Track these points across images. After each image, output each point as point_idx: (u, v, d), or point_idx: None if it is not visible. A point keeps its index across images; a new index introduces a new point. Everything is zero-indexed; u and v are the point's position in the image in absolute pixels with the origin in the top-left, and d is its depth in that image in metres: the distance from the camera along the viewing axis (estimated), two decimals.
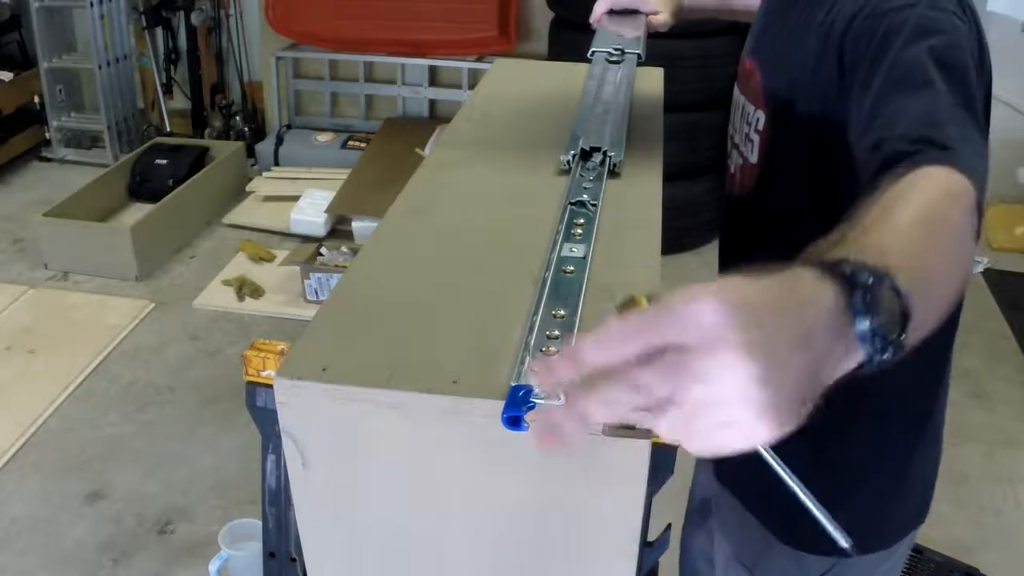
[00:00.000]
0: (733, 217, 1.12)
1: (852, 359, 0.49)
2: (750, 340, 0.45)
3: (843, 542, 0.48)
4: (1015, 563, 2.12)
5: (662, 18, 1.30)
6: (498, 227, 0.74)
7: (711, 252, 3.47)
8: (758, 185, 0.99)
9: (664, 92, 1.16)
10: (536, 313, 0.61)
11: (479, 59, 3.87)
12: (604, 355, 0.46)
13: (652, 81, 1.12)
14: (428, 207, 0.79)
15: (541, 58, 3.44)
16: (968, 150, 0.67)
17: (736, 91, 1.06)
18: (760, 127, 0.97)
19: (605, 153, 0.88)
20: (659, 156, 0.93)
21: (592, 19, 1.31)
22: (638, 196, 0.82)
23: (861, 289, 0.49)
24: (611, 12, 1.32)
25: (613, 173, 0.86)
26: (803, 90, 0.89)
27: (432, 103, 4.12)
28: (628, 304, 0.48)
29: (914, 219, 0.56)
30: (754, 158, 0.99)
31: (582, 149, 0.87)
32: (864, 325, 0.48)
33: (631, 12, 1.30)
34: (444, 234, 0.75)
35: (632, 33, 1.23)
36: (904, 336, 0.50)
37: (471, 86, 3.84)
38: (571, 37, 3.25)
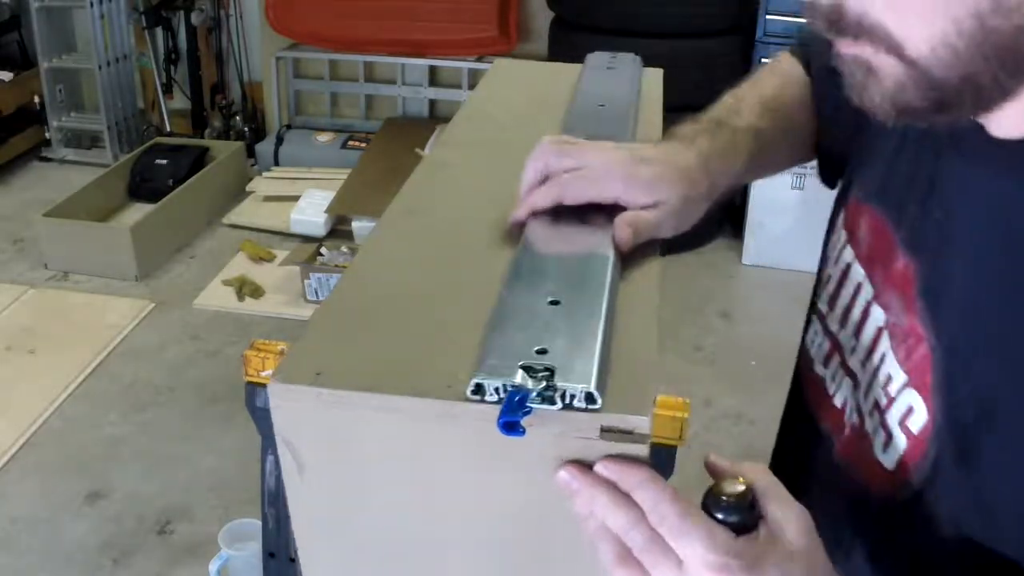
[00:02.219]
0: (807, 447, 0.77)
1: None
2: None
3: None
4: None
5: (652, 218, 0.70)
6: (498, 228, 0.74)
7: (711, 252, 3.47)
8: (894, 499, 0.64)
9: (664, 92, 1.16)
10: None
11: (479, 59, 3.87)
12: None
13: (652, 81, 1.11)
14: (426, 207, 0.79)
15: (541, 58, 3.44)
16: None
17: (851, 257, 0.71)
18: (913, 427, 0.62)
19: None
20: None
21: (513, 219, 0.72)
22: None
23: None
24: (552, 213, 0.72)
25: None
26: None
27: (432, 103, 4.12)
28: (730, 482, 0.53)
29: None
30: (889, 463, 0.64)
31: None
32: None
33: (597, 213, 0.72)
34: (443, 235, 0.74)
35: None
36: None
37: (471, 86, 3.84)
38: (571, 37, 3.25)
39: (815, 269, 0.83)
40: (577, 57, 1.15)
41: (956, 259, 0.60)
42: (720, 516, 0.52)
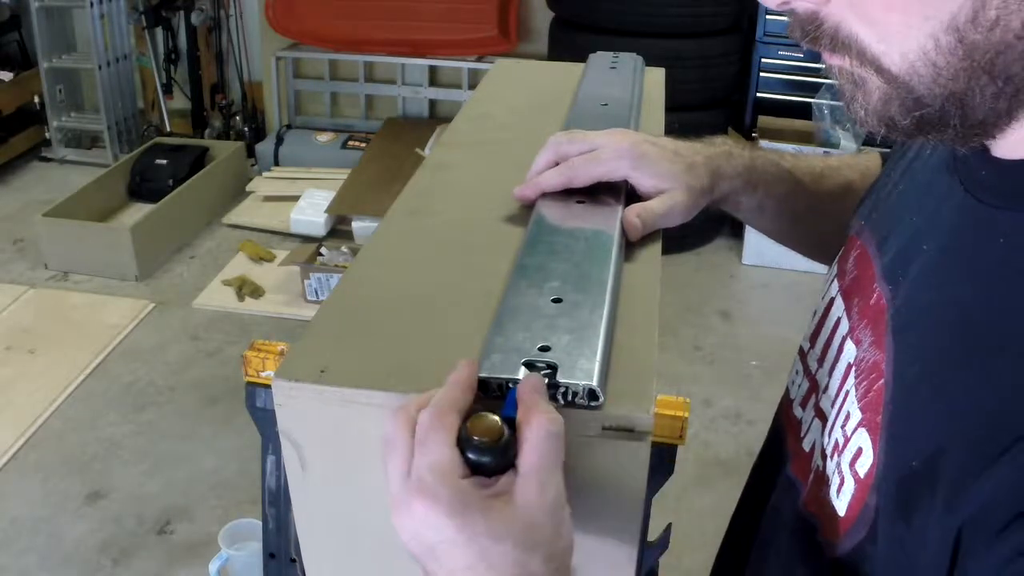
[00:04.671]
0: (771, 494, 0.71)
1: None
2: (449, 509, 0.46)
3: None
4: None
5: (660, 208, 0.72)
6: (499, 227, 0.74)
7: (711, 252, 3.47)
8: (843, 543, 0.57)
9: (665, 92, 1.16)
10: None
11: (479, 59, 3.87)
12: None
13: (654, 81, 1.11)
14: (428, 208, 0.79)
15: (541, 58, 3.44)
16: None
17: (836, 291, 0.68)
18: (860, 470, 0.56)
19: None
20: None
21: (520, 194, 0.75)
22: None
23: None
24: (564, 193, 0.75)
25: None
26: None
27: (432, 103, 4.12)
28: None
29: None
30: (840, 507, 0.58)
31: None
32: None
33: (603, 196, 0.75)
34: (444, 235, 0.75)
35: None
36: None
37: (471, 86, 3.84)
38: (571, 37, 3.25)
39: (815, 269, 0.81)
40: (577, 57, 1.15)
41: (929, 291, 0.55)
42: (470, 455, 0.49)
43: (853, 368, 0.60)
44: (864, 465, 0.55)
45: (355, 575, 0.64)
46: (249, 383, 0.86)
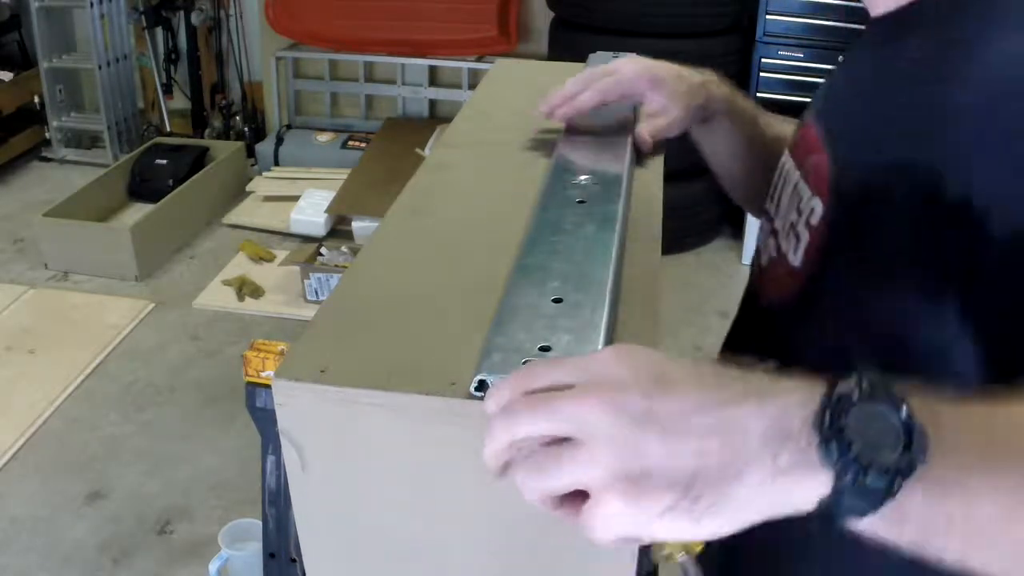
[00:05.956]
0: (750, 324, 0.84)
1: (813, 481, 0.41)
2: (633, 398, 0.43)
3: None
4: None
5: (663, 123, 0.90)
6: (499, 227, 0.74)
7: (711, 252, 3.47)
8: (800, 302, 0.71)
9: None
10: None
11: (479, 59, 3.87)
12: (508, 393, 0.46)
13: None
14: (428, 207, 0.79)
15: (541, 58, 3.44)
16: None
17: (786, 155, 0.80)
18: (813, 221, 0.69)
19: None
20: (660, 155, 0.93)
21: (547, 108, 0.90)
22: (638, 194, 0.82)
23: (841, 394, 0.42)
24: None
25: None
26: (899, 189, 0.59)
27: (432, 103, 4.12)
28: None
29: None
30: (796, 260, 0.71)
31: None
32: (824, 427, 0.41)
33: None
34: (444, 234, 0.75)
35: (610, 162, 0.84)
36: (897, 481, 0.40)
37: (471, 86, 3.84)
38: (571, 37, 3.25)
39: None
40: (577, 57, 1.15)
41: (842, 82, 0.75)
42: None
43: (801, 181, 0.73)
44: (816, 216, 0.69)
45: (355, 575, 0.64)
46: (249, 383, 0.86)
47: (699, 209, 3.36)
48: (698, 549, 0.44)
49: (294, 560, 0.99)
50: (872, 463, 0.40)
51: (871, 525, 0.42)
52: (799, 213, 0.72)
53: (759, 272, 0.82)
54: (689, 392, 0.44)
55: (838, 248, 0.66)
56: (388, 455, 0.56)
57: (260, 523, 0.99)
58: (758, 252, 0.84)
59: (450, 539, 0.60)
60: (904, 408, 0.42)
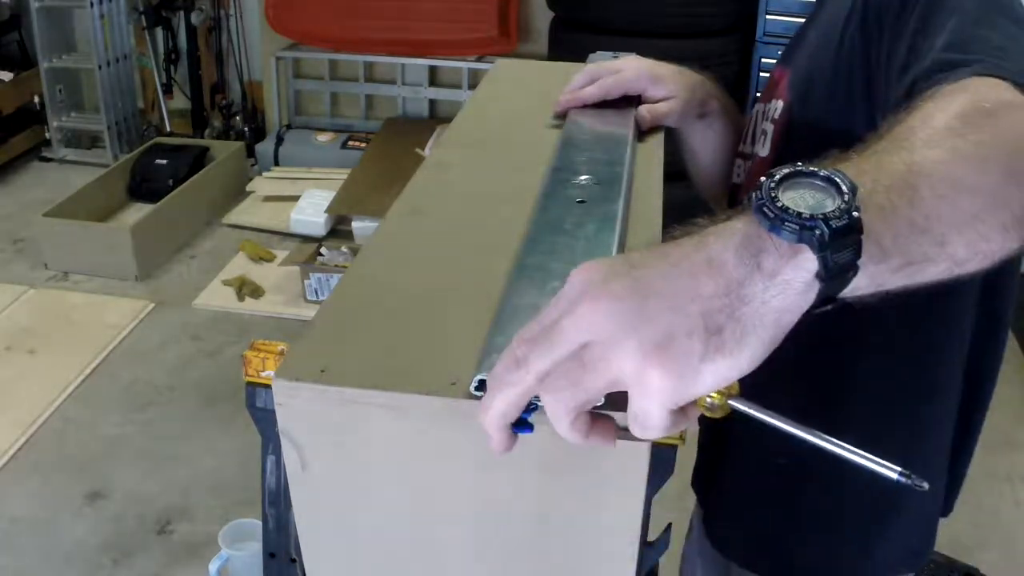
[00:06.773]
0: None
1: (798, 263, 0.45)
2: (615, 284, 0.45)
3: (896, 475, 0.44)
4: (1014, 562, 2.12)
5: (664, 108, 0.95)
6: (499, 227, 0.74)
7: None
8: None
9: None
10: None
11: (479, 59, 3.87)
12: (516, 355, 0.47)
13: None
14: (428, 207, 0.79)
15: (541, 58, 3.44)
16: (1017, 50, 0.61)
17: (756, 106, 0.95)
18: (776, 115, 0.87)
19: None
20: (659, 154, 0.93)
21: (561, 106, 0.94)
22: (639, 193, 0.82)
23: (767, 186, 0.46)
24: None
25: None
26: (825, 65, 0.80)
27: (432, 103, 4.12)
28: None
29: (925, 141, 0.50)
30: (765, 151, 0.88)
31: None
32: (769, 217, 0.45)
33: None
34: (444, 234, 0.75)
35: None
36: (854, 215, 0.45)
37: (471, 86, 3.84)
38: (571, 37, 3.25)
39: None
40: (577, 57, 1.15)
41: (811, 29, 0.88)
42: None
43: (768, 120, 0.88)
44: (778, 111, 0.87)
45: (355, 575, 0.64)
46: (249, 383, 0.86)
47: (699, 209, 3.35)
48: (736, 390, 0.47)
49: (294, 560, 0.99)
50: (827, 216, 0.44)
51: (872, 279, 0.46)
52: (765, 117, 0.88)
53: (734, 191, 0.96)
54: (658, 258, 0.47)
55: (796, 130, 0.83)
56: (388, 455, 0.56)
57: (260, 523, 0.99)
58: (735, 187, 0.97)
59: (450, 538, 0.60)
60: (813, 168, 0.47)
